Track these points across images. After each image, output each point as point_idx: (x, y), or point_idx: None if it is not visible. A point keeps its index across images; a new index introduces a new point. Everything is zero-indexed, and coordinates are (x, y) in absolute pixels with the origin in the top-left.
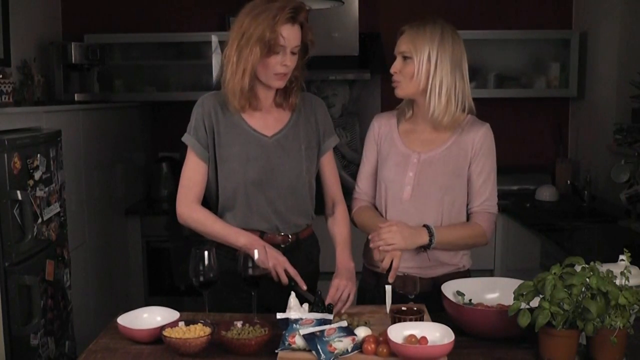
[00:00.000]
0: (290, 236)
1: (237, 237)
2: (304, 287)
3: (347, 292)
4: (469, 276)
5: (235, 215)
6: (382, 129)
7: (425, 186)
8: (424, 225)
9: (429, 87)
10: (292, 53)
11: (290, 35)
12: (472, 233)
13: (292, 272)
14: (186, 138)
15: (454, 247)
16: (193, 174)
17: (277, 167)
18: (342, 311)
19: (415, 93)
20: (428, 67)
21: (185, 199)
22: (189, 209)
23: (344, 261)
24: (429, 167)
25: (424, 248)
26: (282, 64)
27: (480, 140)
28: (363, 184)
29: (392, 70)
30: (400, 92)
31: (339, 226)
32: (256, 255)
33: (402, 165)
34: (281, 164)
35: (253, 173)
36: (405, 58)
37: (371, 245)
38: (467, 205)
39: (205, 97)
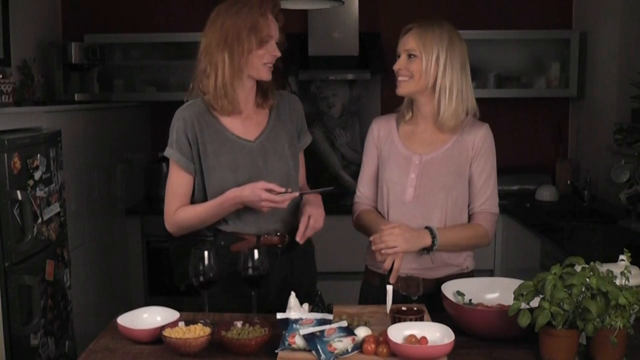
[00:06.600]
0: (286, 236)
1: (229, 194)
2: (283, 189)
3: (320, 221)
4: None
5: (229, 222)
6: (381, 132)
7: (427, 187)
8: (426, 227)
9: (438, 88)
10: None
11: (274, 25)
12: (474, 234)
13: (271, 186)
14: (169, 152)
15: (457, 248)
16: (178, 188)
17: (266, 170)
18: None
19: (418, 91)
20: (436, 68)
21: (171, 213)
22: (174, 217)
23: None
24: (431, 168)
25: (427, 250)
26: (272, 54)
27: (480, 141)
28: (364, 188)
29: (396, 68)
30: (402, 90)
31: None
32: (256, 255)
33: (404, 166)
34: (269, 166)
35: (243, 179)
36: (410, 56)
37: (373, 247)
38: (469, 205)
39: (183, 108)
